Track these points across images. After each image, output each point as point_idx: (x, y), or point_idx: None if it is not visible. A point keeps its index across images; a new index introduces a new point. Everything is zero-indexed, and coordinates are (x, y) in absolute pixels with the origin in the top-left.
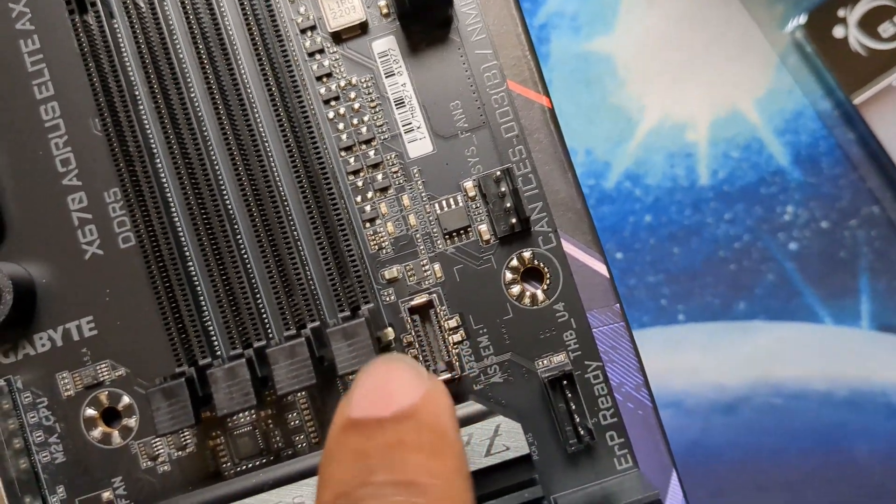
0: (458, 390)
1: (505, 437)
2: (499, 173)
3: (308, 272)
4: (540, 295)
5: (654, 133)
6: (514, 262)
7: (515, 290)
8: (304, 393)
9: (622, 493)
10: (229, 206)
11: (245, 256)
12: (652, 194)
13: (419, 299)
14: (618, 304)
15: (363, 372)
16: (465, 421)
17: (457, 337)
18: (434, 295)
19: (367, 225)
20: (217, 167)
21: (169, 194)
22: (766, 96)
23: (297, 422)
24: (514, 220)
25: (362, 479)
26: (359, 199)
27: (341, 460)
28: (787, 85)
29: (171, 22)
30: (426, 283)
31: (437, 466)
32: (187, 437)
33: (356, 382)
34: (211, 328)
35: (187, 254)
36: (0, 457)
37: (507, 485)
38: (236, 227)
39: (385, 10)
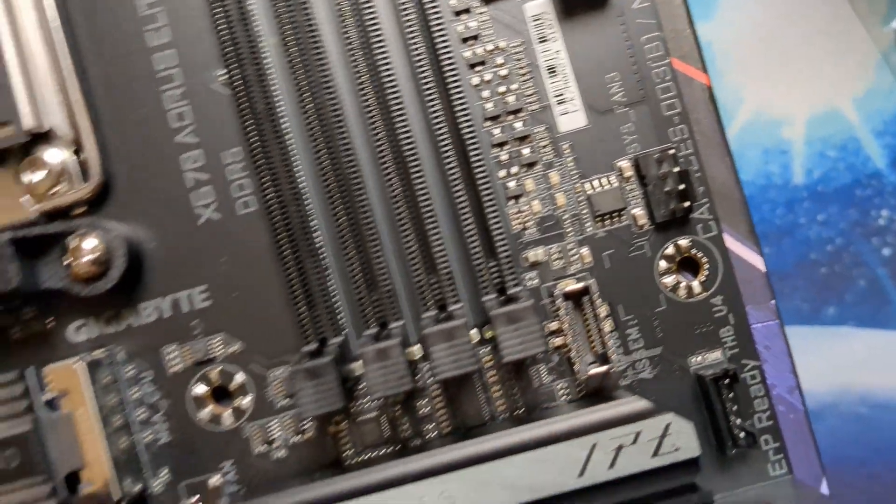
0: (605, 385)
1: (675, 437)
2: (659, 154)
3: (450, 248)
4: (696, 287)
5: (750, 127)
6: (670, 251)
7: (669, 280)
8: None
9: (782, 499)
10: (363, 172)
11: (378, 228)
12: (745, 191)
13: (575, 285)
14: (773, 301)
15: None
16: (632, 418)
17: (606, 327)
18: (587, 282)
19: (511, 202)
20: (350, 129)
21: (297, 158)
22: (866, 96)
23: (427, 409)
24: (675, 206)
25: None
26: (502, 173)
27: None
28: (888, 85)
29: None
30: (572, 268)
31: None
32: (307, 421)
33: None
34: (338, 304)
35: (315, 223)
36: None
37: (665, 488)
38: (367, 195)
39: None
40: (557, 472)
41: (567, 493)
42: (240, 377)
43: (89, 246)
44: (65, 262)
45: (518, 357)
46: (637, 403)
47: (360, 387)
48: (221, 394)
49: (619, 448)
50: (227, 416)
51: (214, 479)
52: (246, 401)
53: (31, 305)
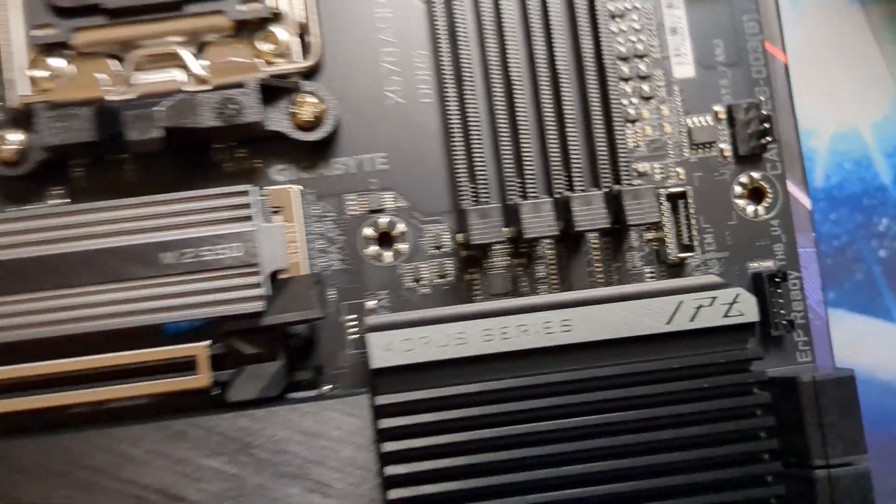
0: (684, 273)
1: (741, 305)
2: (746, 105)
3: (583, 148)
4: (760, 210)
5: None
6: (745, 179)
7: (741, 202)
8: (554, 250)
9: (806, 372)
10: (524, 81)
11: (530, 123)
12: None
13: (677, 188)
14: (813, 234)
15: None
16: (710, 287)
17: (693, 227)
18: (686, 187)
19: (630, 124)
20: (516, 46)
21: (470, 62)
22: (882, 122)
23: (543, 273)
24: (753, 145)
25: None
26: (626, 101)
27: None
28: None
29: None
30: (669, 181)
31: None
32: (448, 266)
33: None
34: (489, 179)
35: (478, 117)
36: None
37: (729, 342)
38: (525, 100)
39: None
40: (651, 319)
41: (657, 334)
42: (401, 227)
43: (313, 101)
44: (290, 110)
45: (640, 222)
46: (714, 279)
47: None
48: (385, 238)
49: (699, 307)
50: (388, 255)
51: (370, 303)
52: (404, 246)
53: (245, 148)
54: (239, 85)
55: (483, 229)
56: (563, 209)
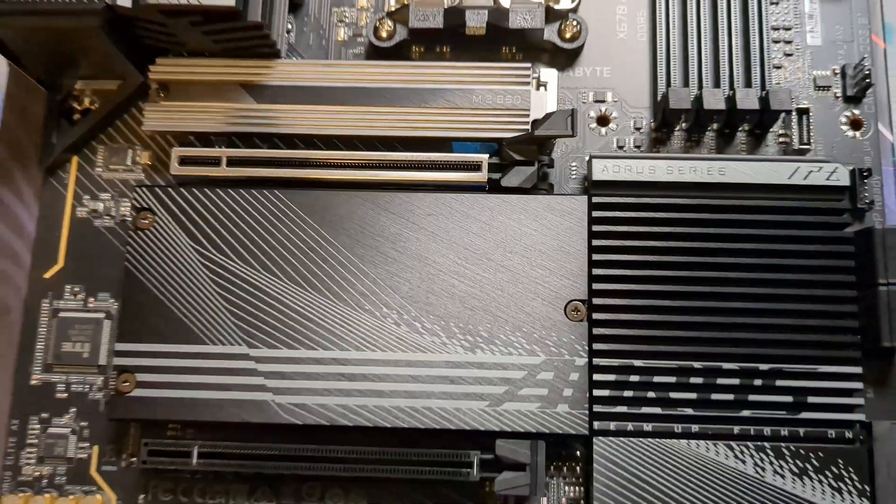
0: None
1: (839, 174)
2: (855, 65)
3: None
4: (858, 136)
5: None
6: (848, 114)
7: (846, 129)
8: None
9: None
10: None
11: (707, 51)
12: None
13: (803, 105)
14: (893, 160)
15: None
16: (819, 161)
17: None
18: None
19: (774, 70)
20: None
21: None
22: None
23: (705, 150)
24: (857, 92)
25: None
26: (775, 62)
27: None
28: None
29: None
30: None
31: None
32: (641, 142)
33: None
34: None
35: (667, 41)
36: None
37: (818, 207)
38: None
39: None
40: (777, 178)
41: (781, 185)
42: (615, 113)
43: (574, 24)
44: (558, 30)
45: (781, 108)
46: (821, 157)
47: None
48: (602, 119)
49: (810, 172)
50: (603, 130)
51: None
52: (614, 126)
53: (521, 52)
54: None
55: (676, 99)
56: (729, 100)
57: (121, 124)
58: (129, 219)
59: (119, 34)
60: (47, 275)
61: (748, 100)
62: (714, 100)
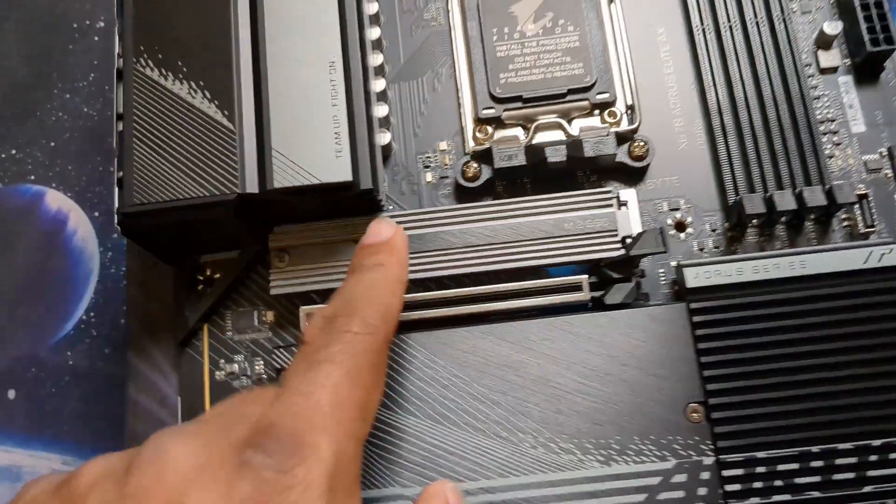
0: None
1: None
2: None
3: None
4: None
5: None
6: None
7: None
8: (784, 231)
9: None
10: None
11: (765, 152)
12: None
13: (862, 191)
14: None
15: None
16: (889, 243)
17: None
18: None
19: (829, 159)
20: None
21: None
22: None
23: (778, 243)
24: None
25: None
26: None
27: None
28: None
29: None
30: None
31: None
32: (718, 241)
33: None
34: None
35: (726, 147)
36: None
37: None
38: (764, 140)
39: None
40: (853, 264)
41: (858, 270)
42: (689, 219)
43: (642, 144)
44: (627, 150)
45: (846, 202)
46: (889, 239)
47: None
48: (679, 225)
49: (882, 255)
50: (682, 235)
51: (672, 263)
52: (691, 230)
53: (594, 175)
54: (599, 136)
55: (751, 206)
56: (798, 198)
57: (243, 287)
58: (266, 377)
59: (245, 214)
60: None
61: (815, 197)
62: (785, 201)
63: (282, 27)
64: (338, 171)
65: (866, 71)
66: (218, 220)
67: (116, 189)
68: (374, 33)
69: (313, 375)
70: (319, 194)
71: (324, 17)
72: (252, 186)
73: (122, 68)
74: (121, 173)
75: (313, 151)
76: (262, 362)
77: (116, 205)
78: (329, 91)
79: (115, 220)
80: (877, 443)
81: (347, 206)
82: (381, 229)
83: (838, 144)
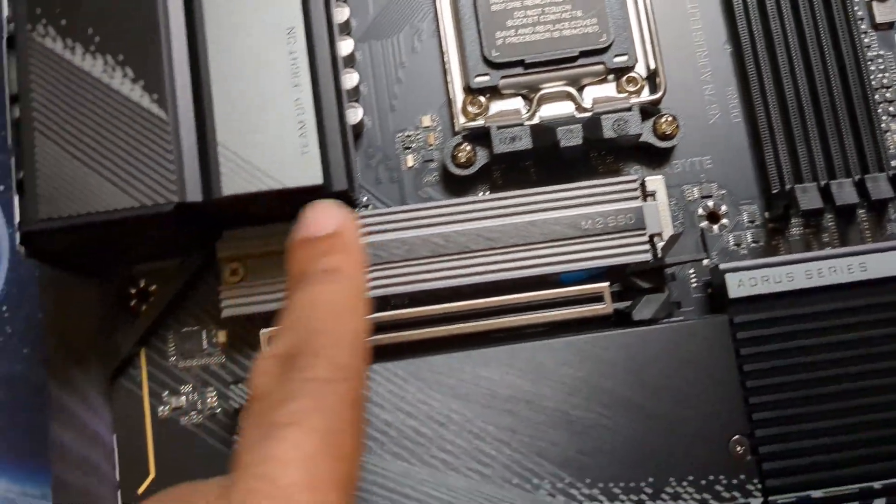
0: None
1: None
2: None
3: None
4: None
5: None
6: None
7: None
8: (833, 221)
9: None
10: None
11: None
12: None
13: None
14: None
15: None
16: None
17: None
18: None
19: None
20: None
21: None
22: None
23: (826, 238)
24: None
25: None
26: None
27: None
28: None
29: None
30: None
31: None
32: (757, 234)
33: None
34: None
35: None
36: None
37: None
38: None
39: None
40: None
41: None
42: (724, 208)
43: (669, 119)
44: (652, 127)
45: None
46: None
47: None
48: (712, 216)
49: None
50: (716, 227)
51: (706, 261)
52: (726, 221)
53: (610, 155)
54: (619, 110)
55: (806, 200)
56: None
57: (187, 302)
58: (220, 412)
59: (185, 223)
60: (140, 489)
61: (880, 188)
62: (844, 194)
63: None
64: (305, 171)
65: None
66: (150, 233)
67: (16, 196)
68: None
69: (274, 447)
70: (281, 199)
71: None
72: (194, 194)
73: (13, 35)
74: (21, 174)
75: (272, 147)
76: (214, 393)
77: (17, 218)
78: (289, 67)
79: (18, 240)
80: None
81: None
82: (325, 217)
83: (894, 116)
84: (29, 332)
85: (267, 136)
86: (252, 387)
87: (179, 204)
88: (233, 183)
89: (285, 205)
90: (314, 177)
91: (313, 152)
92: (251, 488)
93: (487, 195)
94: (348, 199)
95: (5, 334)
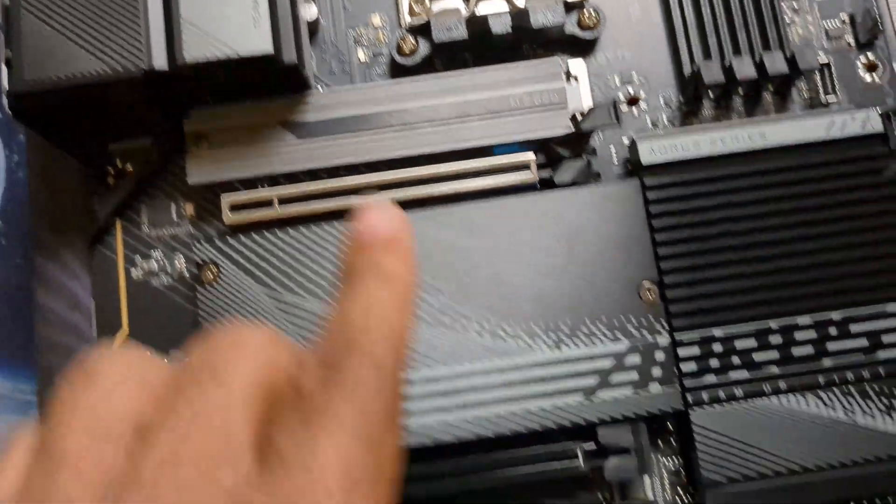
0: None
1: (873, 121)
2: (863, 10)
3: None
4: (876, 78)
5: None
6: (864, 60)
7: (862, 72)
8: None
9: None
10: None
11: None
12: None
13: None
14: None
15: None
16: (853, 111)
17: None
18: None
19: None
20: None
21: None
22: None
23: (740, 107)
24: (868, 36)
25: None
26: (787, 13)
27: None
28: None
29: None
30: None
31: None
32: (672, 117)
33: None
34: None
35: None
36: None
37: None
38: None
39: None
40: (816, 134)
41: (821, 141)
42: (641, 93)
43: (592, 14)
44: (577, 19)
45: (808, 68)
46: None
47: None
48: (632, 100)
49: (845, 123)
50: (635, 110)
51: (625, 139)
52: (644, 104)
53: (540, 48)
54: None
55: (709, 74)
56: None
57: (158, 179)
58: (188, 275)
59: (154, 94)
60: (115, 343)
61: (777, 63)
62: (744, 68)
63: None
64: (257, 41)
65: None
66: (123, 100)
67: (5, 68)
68: None
69: (317, 442)
70: (238, 69)
71: None
72: (160, 61)
73: None
74: (9, 51)
75: (228, 20)
76: (182, 258)
77: (6, 85)
78: None
79: (7, 103)
80: (837, 315)
81: (271, 84)
82: (383, 219)
83: (797, 10)
84: (24, 244)
85: (224, 10)
86: (297, 385)
87: (148, 72)
88: (194, 51)
89: (244, 75)
90: (265, 46)
91: (264, 25)
92: (295, 480)
93: (427, 75)
94: (298, 74)
95: (0, 246)
